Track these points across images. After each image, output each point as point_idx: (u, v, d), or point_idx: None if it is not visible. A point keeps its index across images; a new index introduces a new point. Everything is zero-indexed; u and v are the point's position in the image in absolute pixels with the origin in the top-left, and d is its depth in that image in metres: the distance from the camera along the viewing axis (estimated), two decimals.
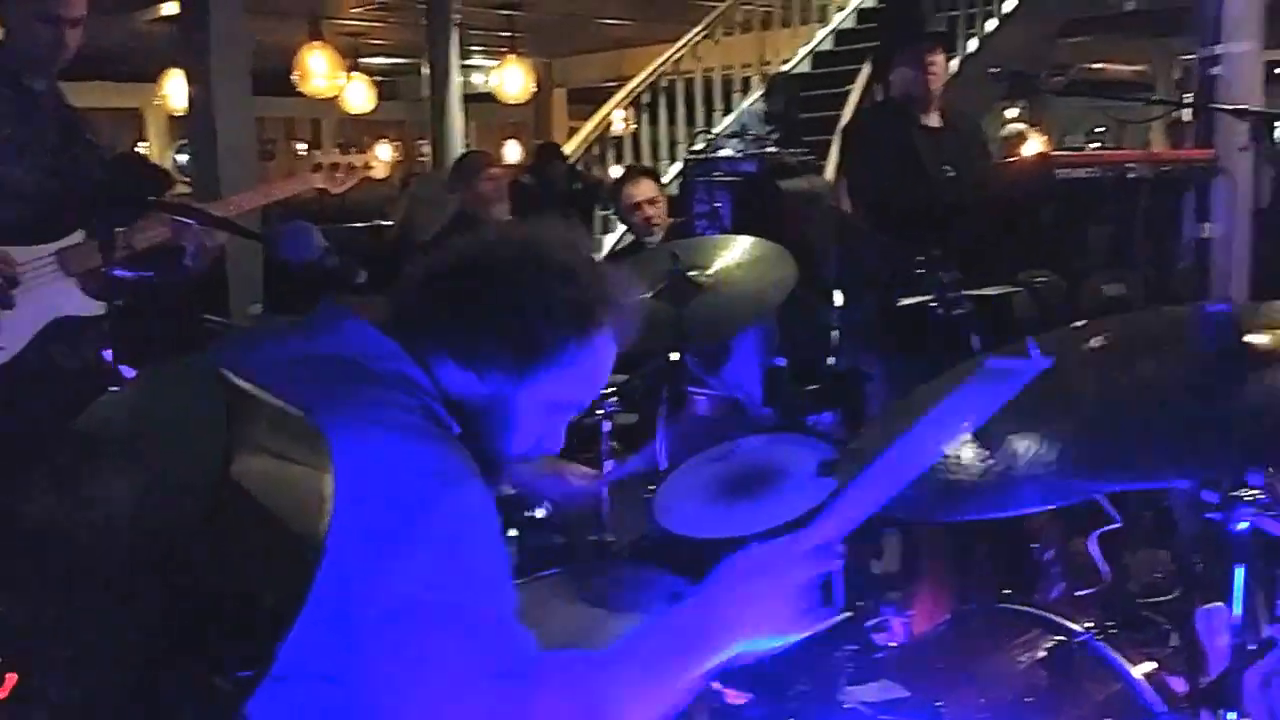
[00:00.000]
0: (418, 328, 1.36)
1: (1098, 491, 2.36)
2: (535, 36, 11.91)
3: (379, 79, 12.19)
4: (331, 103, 10.87)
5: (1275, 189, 6.32)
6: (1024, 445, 1.56)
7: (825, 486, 2.02)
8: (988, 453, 1.71)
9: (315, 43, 9.66)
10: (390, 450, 1.21)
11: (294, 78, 9.62)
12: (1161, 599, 3.37)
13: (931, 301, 2.66)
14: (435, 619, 1.17)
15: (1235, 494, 1.53)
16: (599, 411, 2.55)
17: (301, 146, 15.81)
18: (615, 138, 8.71)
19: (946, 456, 1.73)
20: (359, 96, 10.94)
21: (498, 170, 4.43)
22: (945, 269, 2.64)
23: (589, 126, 8.49)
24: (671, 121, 8.81)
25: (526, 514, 2.73)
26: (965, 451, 1.76)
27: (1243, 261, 3.87)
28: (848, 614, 1.88)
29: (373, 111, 11.59)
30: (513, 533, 2.63)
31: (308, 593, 0.73)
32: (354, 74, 10.78)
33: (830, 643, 1.86)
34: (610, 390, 2.56)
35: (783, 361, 2.62)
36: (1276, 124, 3.10)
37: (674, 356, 2.58)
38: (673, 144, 8.85)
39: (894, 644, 2.08)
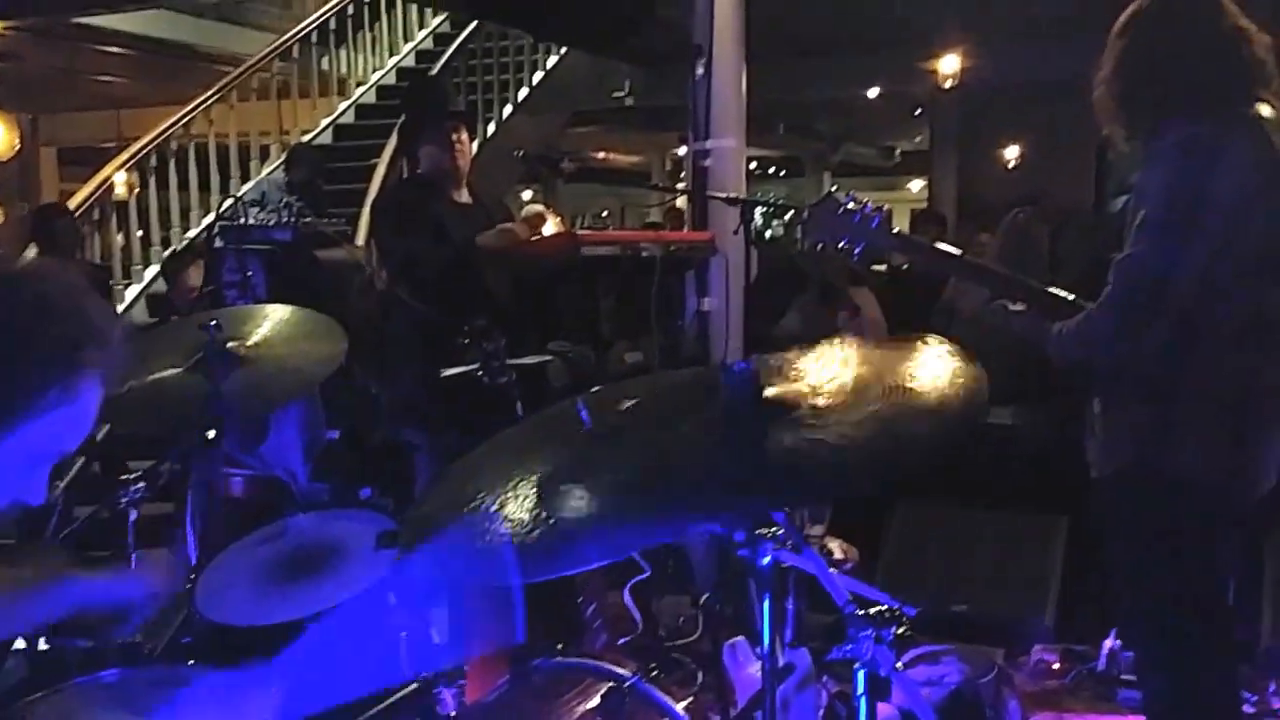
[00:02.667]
0: None
1: (651, 544, 2.53)
2: (18, 89, 10.73)
3: None
4: None
5: (760, 267, 7.21)
6: (582, 504, 1.63)
7: (385, 559, 2.00)
8: (545, 513, 1.78)
9: None
10: None
11: None
12: (687, 640, 3.68)
13: (477, 371, 2.72)
14: None
15: (760, 532, 1.72)
16: (123, 500, 2.34)
17: None
18: (118, 202, 8.04)
19: (508, 519, 1.78)
20: None
21: None
22: (489, 339, 2.72)
23: (88, 189, 7.77)
24: (182, 187, 8.32)
25: None
26: (522, 514, 1.82)
27: (737, 330, 4.38)
28: (413, 686, 1.85)
29: None
30: (20, 645, 2.31)
31: None
32: None
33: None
34: (135, 476, 2.36)
35: (334, 435, 2.55)
36: (757, 210, 3.56)
37: (210, 435, 2.43)
38: (184, 210, 8.35)
39: (453, 714, 2.08)
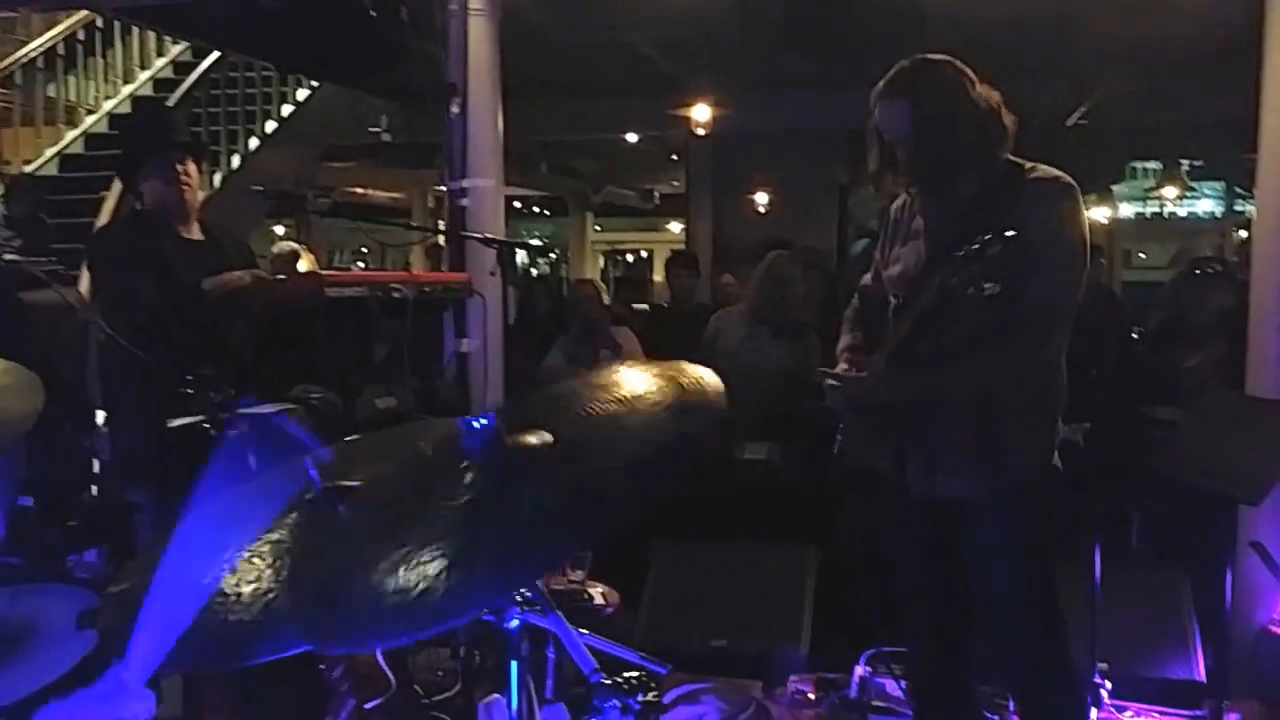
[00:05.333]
0: None
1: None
2: None
3: None
4: None
5: (519, 308, 7.16)
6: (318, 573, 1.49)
7: (87, 641, 1.78)
8: (276, 586, 1.63)
9: None
10: None
11: None
12: (446, 695, 3.53)
13: (204, 422, 2.51)
14: None
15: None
16: None
17: None
18: None
19: (225, 595, 1.62)
20: None
21: None
22: (216, 387, 2.52)
23: None
24: None
25: None
26: (245, 589, 1.66)
27: (497, 371, 4.29)
28: None
29: None
30: None
31: None
32: None
33: None
34: None
35: (29, 500, 2.27)
36: (517, 251, 3.49)
37: None
38: None
39: None
